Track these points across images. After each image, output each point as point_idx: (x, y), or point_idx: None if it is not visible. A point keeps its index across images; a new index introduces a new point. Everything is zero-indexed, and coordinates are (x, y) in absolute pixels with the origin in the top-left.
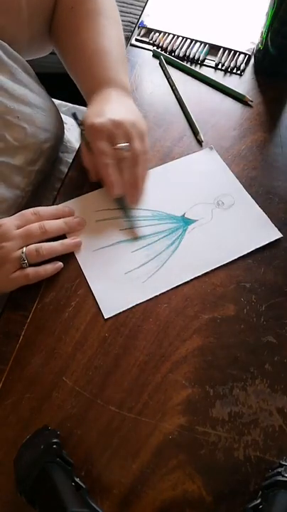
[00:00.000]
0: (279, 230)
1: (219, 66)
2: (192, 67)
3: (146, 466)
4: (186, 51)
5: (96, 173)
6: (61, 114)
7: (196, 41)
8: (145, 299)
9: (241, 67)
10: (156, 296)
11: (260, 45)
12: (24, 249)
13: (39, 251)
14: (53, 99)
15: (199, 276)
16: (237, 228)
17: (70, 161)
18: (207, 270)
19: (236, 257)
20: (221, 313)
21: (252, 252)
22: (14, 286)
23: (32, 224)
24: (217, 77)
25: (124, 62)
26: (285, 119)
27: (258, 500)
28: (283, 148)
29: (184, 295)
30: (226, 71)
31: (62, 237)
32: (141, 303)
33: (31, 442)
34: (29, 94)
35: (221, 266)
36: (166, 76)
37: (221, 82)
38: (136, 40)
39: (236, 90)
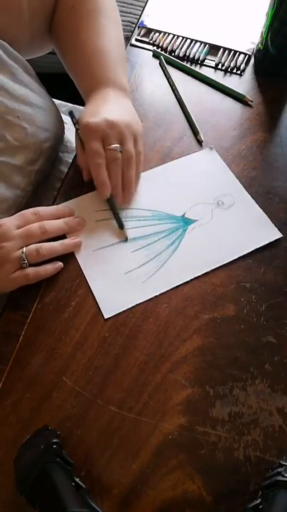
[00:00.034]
0: (279, 230)
1: (219, 66)
2: (192, 67)
3: (146, 466)
4: (186, 51)
5: (88, 172)
6: (61, 114)
7: (196, 41)
8: (145, 299)
9: (241, 67)
10: (156, 296)
11: (260, 45)
12: (24, 249)
13: (39, 251)
14: (53, 99)
15: (199, 276)
16: (237, 228)
17: (70, 160)
18: (207, 270)
19: (236, 257)
20: (221, 313)
21: (252, 252)
22: (14, 286)
23: (32, 224)
24: (217, 77)
25: (124, 62)
26: (285, 119)
27: (258, 500)
28: (283, 148)
29: (184, 295)
30: (226, 71)
31: (62, 237)
32: (141, 303)
33: (31, 442)
34: (29, 94)
35: (221, 266)
36: (166, 76)
37: (221, 82)
38: (136, 40)
39: (236, 90)
